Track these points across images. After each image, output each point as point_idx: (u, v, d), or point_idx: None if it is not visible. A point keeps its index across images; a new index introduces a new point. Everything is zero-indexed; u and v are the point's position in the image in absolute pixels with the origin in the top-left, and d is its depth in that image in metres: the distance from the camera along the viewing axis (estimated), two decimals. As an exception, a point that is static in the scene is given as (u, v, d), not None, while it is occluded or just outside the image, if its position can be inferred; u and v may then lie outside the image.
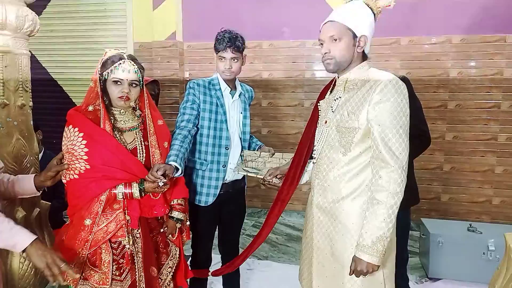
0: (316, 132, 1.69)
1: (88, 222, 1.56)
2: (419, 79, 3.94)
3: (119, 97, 1.63)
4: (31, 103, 2.01)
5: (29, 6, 1.97)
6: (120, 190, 1.59)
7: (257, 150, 2.27)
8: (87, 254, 1.57)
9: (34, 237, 1.34)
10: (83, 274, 1.58)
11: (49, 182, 1.60)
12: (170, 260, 1.81)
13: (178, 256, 1.85)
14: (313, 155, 1.68)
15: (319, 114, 1.70)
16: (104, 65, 1.66)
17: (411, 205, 2.19)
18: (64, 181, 1.60)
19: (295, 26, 4.28)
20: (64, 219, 3.10)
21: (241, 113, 2.29)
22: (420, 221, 3.34)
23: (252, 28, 4.34)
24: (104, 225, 1.58)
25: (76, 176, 1.56)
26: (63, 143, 1.62)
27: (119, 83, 1.63)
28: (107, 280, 1.57)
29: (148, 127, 1.73)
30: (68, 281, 1.51)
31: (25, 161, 1.90)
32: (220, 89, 2.19)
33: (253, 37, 4.37)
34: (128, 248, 1.62)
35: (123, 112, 1.70)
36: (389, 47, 4.01)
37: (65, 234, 1.62)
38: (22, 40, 1.92)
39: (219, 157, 2.16)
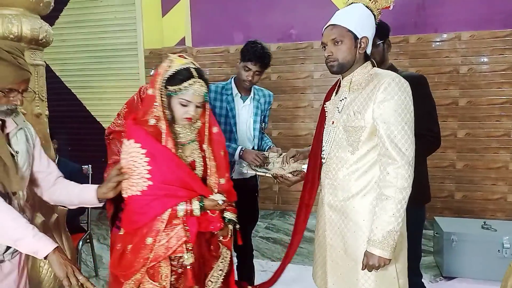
0: (324, 133, 1.72)
1: (149, 240, 1.52)
2: (428, 76, 3.87)
3: (184, 118, 1.57)
4: (47, 112, 2.07)
5: (43, 17, 2.04)
6: (181, 208, 1.53)
7: (266, 151, 2.34)
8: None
9: (56, 245, 1.38)
10: (141, 286, 1.57)
11: (111, 194, 1.57)
12: (221, 263, 1.74)
13: (229, 259, 1.77)
14: (322, 155, 1.72)
15: (326, 115, 1.74)
16: (172, 79, 1.54)
17: (423, 203, 2.19)
18: (124, 195, 1.57)
19: (303, 27, 4.31)
20: (82, 224, 3.17)
21: (251, 117, 2.38)
22: (433, 219, 3.33)
23: (259, 31, 4.39)
24: (165, 241, 1.54)
25: (138, 193, 1.52)
26: (122, 156, 1.58)
27: (186, 105, 1.55)
28: None
29: (205, 138, 1.66)
30: None
31: (42, 168, 1.95)
32: (231, 94, 2.37)
33: (261, 40, 4.41)
34: (188, 264, 1.58)
35: (184, 128, 1.63)
36: (397, 45, 4.00)
37: (121, 250, 1.58)
38: (37, 51, 1.98)
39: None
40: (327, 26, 1.61)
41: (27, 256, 1.61)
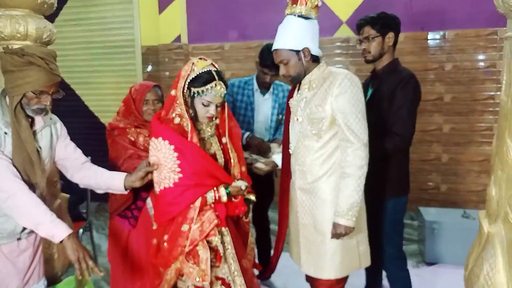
0: (290, 127, 1.96)
1: (185, 227, 1.68)
2: (415, 73, 4.06)
3: (206, 116, 1.74)
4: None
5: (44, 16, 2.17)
6: (210, 195, 1.71)
7: (270, 142, 2.66)
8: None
9: (70, 231, 1.53)
10: (182, 272, 1.71)
11: (138, 183, 1.73)
12: (251, 237, 1.98)
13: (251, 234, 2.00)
14: (290, 147, 1.95)
15: (291, 112, 1.96)
16: (195, 81, 1.70)
17: (404, 194, 2.27)
18: (157, 190, 1.72)
19: (295, 26, 4.44)
20: (82, 212, 3.31)
21: (269, 109, 2.74)
22: (418, 210, 3.50)
23: (253, 29, 4.54)
24: (199, 225, 1.69)
25: (171, 185, 1.67)
26: (150, 153, 1.73)
27: (207, 105, 1.71)
28: (206, 276, 1.67)
29: (224, 132, 1.84)
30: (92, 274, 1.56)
31: (45, 157, 2.10)
32: (252, 89, 2.73)
33: (255, 37, 4.56)
34: (217, 246, 1.73)
35: (205, 124, 1.81)
36: (385, 43, 4.14)
37: (157, 243, 1.75)
38: (41, 49, 2.13)
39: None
40: (273, 51, 1.86)
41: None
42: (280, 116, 2.84)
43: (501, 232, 1.63)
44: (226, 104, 1.83)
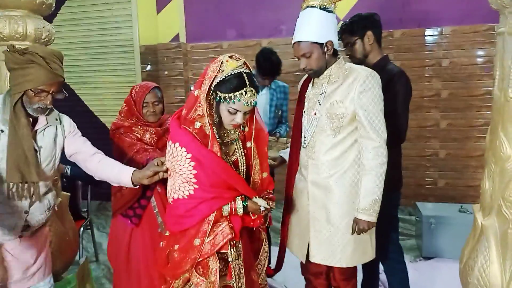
0: (305, 121, 1.94)
1: (197, 242, 1.55)
2: (412, 69, 4.11)
3: (232, 124, 1.57)
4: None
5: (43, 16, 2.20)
6: (226, 208, 1.57)
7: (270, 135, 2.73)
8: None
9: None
10: (190, 282, 1.61)
11: (146, 181, 1.64)
12: (265, 245, 1.81)
13: (267, 242, 1.85)
14: (304, 141, 1.94)
15: (305, 106, 1.94)
16: (222, 85, 1.49)
17: (397, 189, 2.29)
18: (170, 199, 1.60)
19: (292, 23, 4.46)
20: (82, 210, 3.34)
21: (267, 104, 2.88)
22: (415, 205, 3.53)
23: (251, 27, 4.56)
24: (212, 238, 1.56)
25: (185, 197, 1.54)
26: (166, 158, 1.59)
27: (234, 113, 1.53)
28: None
29: (250, 137, 1.67)
30: None
31: (46, 156, 2.13)
32: None
33: (253, 36, 4.59)
34: (231, 261, 1.61)
35: (229, 129, 1.64)
36: (383, 40, 4.13)
37: (167, 250, 1.63)
38: (40, 49, 2.15)
39: None
40: (294, 43, 1.83)
41: (46, 233, 1.79)
42: (280, 112, 2.94)
43: (495, 224, 1.66)
44: (256, 108, 1.64)
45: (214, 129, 1.57)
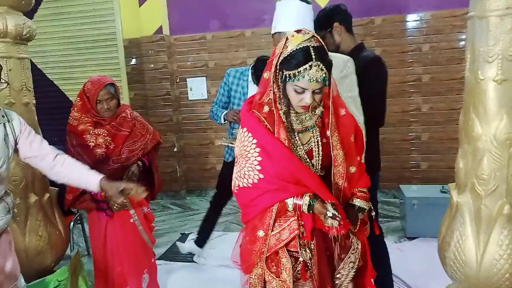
0: None
1: (261, 233, 1.46)
2: (393, 55, 4.18)
3: (300, 106, 1.42)
4: (34, 101, 2.26)
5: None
6: (290, 202, 1.43)
7: None
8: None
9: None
10: (265, 278, 1.51)
11: (112, 191, 1.69)
12: (352, 254, 1.53)
13: (360, 251, 1.56)
14: None
15: None
16: (287, 62, 1.37)
17: (375, 171, 2.34)
18: (235, 188, 1.52)
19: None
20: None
21: None
22: (398, 187, 3.62)
23: (234, 18, 4.58)
24: (277, 231, 1.46)
25: (250, 185, 1.45)
26: (236, 143, 1.52)
27: (301, 92, 1.39)
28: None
29: (330, 123, 1.47)
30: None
31: (33, 152, 2.16)
32: (247, 80, 2.85)
33: (236, 27, 4.60)
34: (302, 261, 1.48)
35: (303, 113, 1.47)
36: (364, 27, 4.23)
37: (243, 241, 1.57)
38: (22, 46, 2.16)
39: (237, 131, 2.77)
40: (275, 33, 1.88)
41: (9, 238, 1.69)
42: None
43: (469, 201, 1.74)
44: (334, 87, 1.46)
45: (282, 114, 1.44)
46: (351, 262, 1.53)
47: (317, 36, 1.40)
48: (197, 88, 4.83)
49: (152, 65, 4.74)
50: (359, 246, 1.55)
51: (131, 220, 2.26)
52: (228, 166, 2.96)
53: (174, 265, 3.18)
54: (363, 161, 1.64)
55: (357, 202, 1.53)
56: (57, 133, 2.54)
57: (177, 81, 4.87)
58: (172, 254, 3.39)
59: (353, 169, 1.53)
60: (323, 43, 1.40)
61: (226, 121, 2.88)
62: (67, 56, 4.91)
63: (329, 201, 1.40)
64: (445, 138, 4.25)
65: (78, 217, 3.31)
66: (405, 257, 3.01)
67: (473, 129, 1.68)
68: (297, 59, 1.34)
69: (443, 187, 3.39)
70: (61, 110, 5.14)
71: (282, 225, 1.47)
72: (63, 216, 2.45)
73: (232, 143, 2.47)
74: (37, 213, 2.16)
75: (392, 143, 4.30)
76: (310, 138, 1.50)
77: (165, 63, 4.71)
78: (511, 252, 1.65)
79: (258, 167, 1.43)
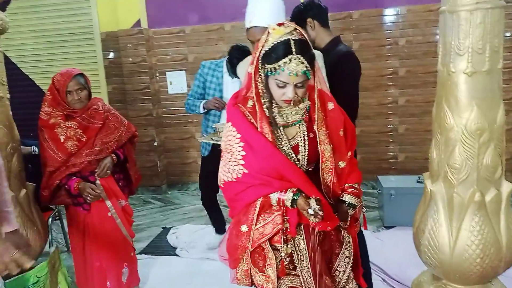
0: None
1: (244, 228, 1.47)
2: (370, 49, 4.25)
3: (283, 100, 1.41)
4: (8, 95, 2.21)
5: (-3, 5, 2.15)
6: (274, 197, 1.43)
7: None
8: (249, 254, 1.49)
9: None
10: (251, 273, 1.51)
11: None
12: (346, 249, 1.56)
13: (352, 246, 1.59)
14: None
15: None
16: (267, 56, 1.37)
17: None
18: (220, 182, 1.52)
19: (254, 6, 4.49)
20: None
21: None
22: (377, 178, 3.70)
23: (213, 11, 4.55)
24: (260, 226, 1.46)
25: (234, 180, 1.45)
26: (222, 138, 1.52)
27: (283, 86, 1.38)
28: (272, 284, 1.46)
29: (316, 118, 1.45)
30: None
31: (8, 147, 2.11)
32: (222, 71, 2.94)
33: (215, 20, 4.58)
34: (284, 256, 1.47)
35: (287, 108, 1.47)
36: (342, 21, 4.28)
37: (229, 236, 1.58)
38: (-5, 39, 2.11)
39: (213, 123, 2.85)
40: (252, 27, 1.92)
41: None
42: None
43: (442, 190, 1.79)
44: (319, 81, 1.45)
45: (265, 108, 1.44)
46: (346, 257, 1.55)
47: (299, 29, 1.39)
48: (177, 82, 4.80)
49: (130, 59, 4.68)
50: (351, 241, 1.57)
51: (109, 214, 2.32)
52: (206, 161, 2.99)
53: (156, 259, 3.18)
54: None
55: (347, 198, 1.53)
56: (33, 128, 2.50)
57: (157, 75, 4.83)
58: (153, 248, 3.39)
59: (342, 164, 1.52)
60: (305, 35, 1.39)
61: (205, 110, 2.90)
62: (42, 49, 4.80)
63: (313, 197, 1.38)
64: (421, 130, 4.35)
65: (56, 213, 3.27)
66: (384, 246, 3.09)
67: (445, 120, 1.73)
68: (277, 53, 1.34)
69: (419, 177, 3.49)
70: (37, 104, 5.01)
71: (266, 219, 1.46)
72: (41, 212, 2.42)
73: (213, 139, 2.46)
74: (14, 209, 2.10)
75: (370, 135, 4.38)
76: (296, 133, 1.49)
77: (143, 57, 4.66)
78: (482, 238, 1.72)
79: (242, 162, 1.43)
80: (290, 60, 1.32)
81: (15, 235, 1.65)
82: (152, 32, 4.74)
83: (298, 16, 2.25)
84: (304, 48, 1.36)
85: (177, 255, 3.21)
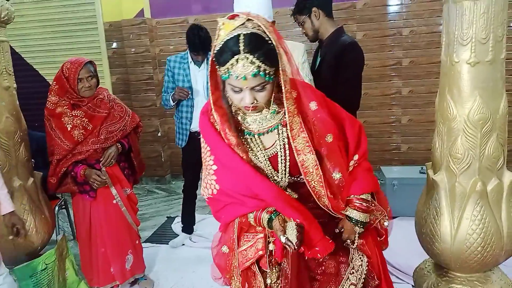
0: None
1: (225, 249, 1.36)
2: (374, 39, 4.24)
3: (243, 107, 1.19)
4: (15, 85, 2.23)
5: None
6: (251, 216, 1.27)
7: None
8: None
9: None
10: None
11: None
12: (351, 274, 1.29)
13: (365, 269, 1.31)
14: None
15: None
16: (216, 57, 1.14)
17: None
18: (205, 198, 1.35)
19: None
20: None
21: (205, 79, 2.94)
22: (380, 169, 3.72)
23: (217, 1, 4.54)
24: (243, 249, 1.31)
25: (211, 196, 1.30)
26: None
27: (238, 91, 1.16)
28: None
29: (288, 122, 1.21)
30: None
31: (15, 136, 2.14)
32: (187, 62, 2.97)
33: (220, 10, 4.56)
34: (270, 283, 1.29)
35: (258, 113, 1.25)
36: (345, 11, 4.27)
37: (214, 255, 1.48)
38: (1, 29, 2.12)
39: (187, 113, 2.94)
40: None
41: None
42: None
43: (444, 179, 1.82)
44: (285, 81, 1.17)
45: (229, 114, 1.24)
46: (351, 284, 1.28)
47: (256, 19, 1.12)
48: (180, 73, 4.80)
49: (133, 49, 4.68)
50: (364, 264, 1.31)
51: (114, 202, 2.36)
52: (185, 151, 3.07)
53: (160, 247, 3.22)
54: None
55: (353, 214, 1.28)
56: (37, 118, 2.53)
57: (160, 65, 4.83)
58: (158, 237, 3.43)
59: (337, 175, 1.25)
60: (263, 27, 1.12)
61: (175, 102, 2.96)
62: (46, 40, 4.81)
63: (291, 220, 1.20)
64: (424, 121, 4.35)
65: (62, 202, 3.31)
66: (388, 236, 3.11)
67: (448, 110, 1.75)
68: (224, 53, 1.10)
69: (422, 168, 3.50)
70: (41, 94, 5.05)
71: (250, 240, 1.31)
72: (48, 200, 2.46)
73: None
74: (22, 197, 2.16)
75: (373, 126, 4.39)
76: (275, 141, 1.26)
77: (147, 47, 4.67)
78: (483, 227, 1.74)
79: (214, 177, 1.27)
80: (237, 61, 1.09)
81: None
82: (155, 22, 4.74)
83: (303, 5, 2.26)
84: (256, 44, 1.09)
85: (182, 244, 3.25)
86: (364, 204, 1.30)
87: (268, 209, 1.25)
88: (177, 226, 3.55)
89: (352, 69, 2.18)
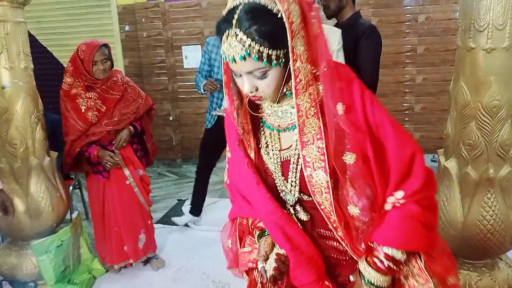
0: None
1: (229, 243, 1.21)
2: (389, 26, 4.18)
3: (250, 95, 0.96)
4: (32, 66, 2.27)
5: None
6: (249, 223, 1.13)
7: None
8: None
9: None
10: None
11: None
12: None
13: None
14: None
15: None
16: (216, 31, 0.94)
17: None
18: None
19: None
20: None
21: None
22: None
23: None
24: (247, 251, 1.13)
25: (227, 183, 1.18)
26: None
27: (237, 75, 0.95)
28: None
29: (300, 126, 0.93)
30: None
31: (32, 116, 2.19)
32: None
33: None
34: None
35: (276, 107, 1.00)
36: (360, -4, 4.21)
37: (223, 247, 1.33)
38: (19, 10, 2.15)
39: (217, 100, 2.87)
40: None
41: None
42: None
43: (456, 166, 1.82)
44: (297, 68, 0.88)
45: (236, 105, 1.02)
46: None
47: None
48: (192, 57, 4.80)
49: (146, 33, 4.69)
50: None
51: (127, 182, 2.42)
52: (208, 132, 3.03)
53: (171, 228, 3.28)
54: None
55: (365, 270, 0.95)
56: (51, 100, 2.57)
57: (172, 49, 4.84)
58: (169, 219, 3.49)
59: (355, 210, 0.93)
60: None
61: (205, 91, 2.87)
62: (60, 22, 4.83)
63: (276, 247, 1.00)
64: (437, 109, 4.31)
65: (76, 182, 3.38)
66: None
67: (462, 97, 1.74)
68: (218, 27, 0.91)
69: (433, 156, 3.48)
70: (55, 77, 5.11)
71: (250, 246, 1.12)
72: (63, 179, 2.51)
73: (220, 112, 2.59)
74: (38, 175, 2.22)
75: (385, 114, 4.36)
76: (292, 144, 0.99)
77: (159, 31, 4.67)
78: (493, 214, 1.75)
79: (227, 166, 1.12)
80: (226, 38, 0.88)
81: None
82: (168, 6, 4.73)
83: None
84: (254, 17, 0.85)
85: (185, 225, 3.29)
86: (386, 263, 0.92)
87: (261, 224, 1.06)
88: (187, 209, 3.60)
89: (372, 52, 2.18)
